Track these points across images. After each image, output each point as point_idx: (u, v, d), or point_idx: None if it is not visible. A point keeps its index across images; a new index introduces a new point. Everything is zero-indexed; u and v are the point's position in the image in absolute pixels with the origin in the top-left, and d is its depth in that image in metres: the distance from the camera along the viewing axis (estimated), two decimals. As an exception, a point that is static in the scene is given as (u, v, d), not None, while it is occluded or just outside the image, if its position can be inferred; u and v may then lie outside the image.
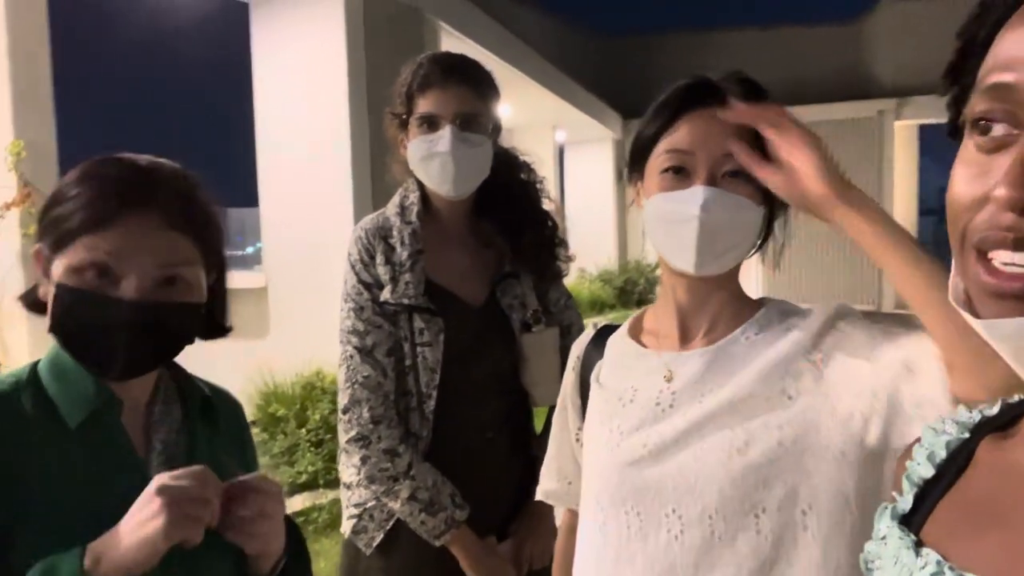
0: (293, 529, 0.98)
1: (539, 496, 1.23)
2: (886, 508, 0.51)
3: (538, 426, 1.69)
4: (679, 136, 0.95)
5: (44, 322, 0.92)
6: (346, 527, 1.58)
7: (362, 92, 5.13)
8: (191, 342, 0.97)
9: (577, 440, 1.13)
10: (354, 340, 1.52)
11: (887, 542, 0.49)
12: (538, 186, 1.68)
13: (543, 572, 1.59)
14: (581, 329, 1.67)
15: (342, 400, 1.53)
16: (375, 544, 1.54)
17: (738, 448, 0.89)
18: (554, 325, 1.65)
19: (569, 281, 1.77)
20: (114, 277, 0.89)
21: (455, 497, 1.51)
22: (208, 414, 1.02)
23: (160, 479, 0.81)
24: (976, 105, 0.44)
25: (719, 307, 1.00)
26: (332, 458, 4.08)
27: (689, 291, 1.00)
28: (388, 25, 5.40)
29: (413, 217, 1.57)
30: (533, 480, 1.24)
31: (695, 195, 0.93)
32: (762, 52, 12.79)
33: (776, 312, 0.99)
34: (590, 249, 10.57)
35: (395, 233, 1.55)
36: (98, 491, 0.87)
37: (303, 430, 4.27)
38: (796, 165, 0.89)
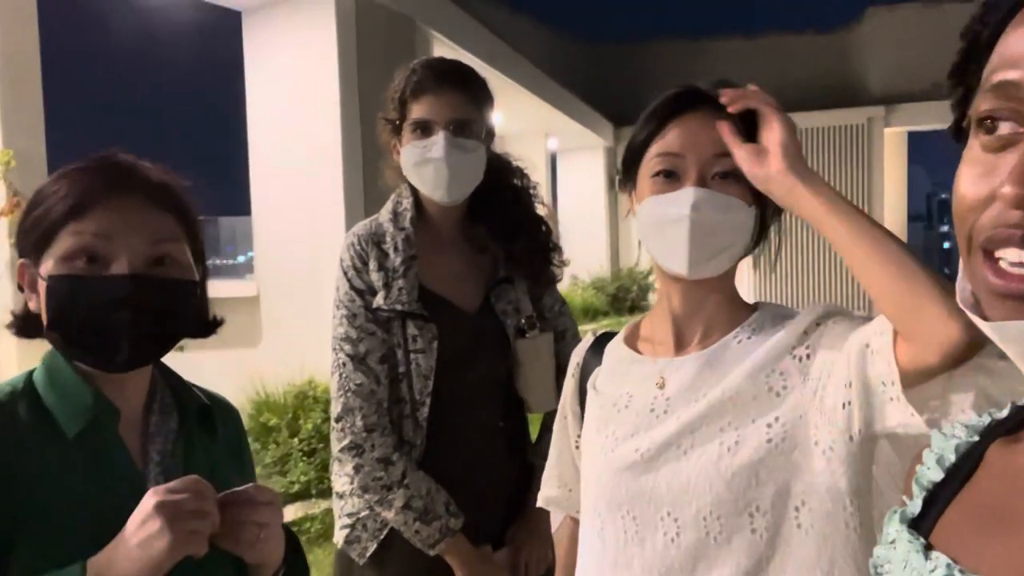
0: (291, 538, 0.98)
1: (540, 503, 1.23)
2: (895, 512, 0.51)
3: (533, 433, 1.68)
4: (669, 140, 0.96)
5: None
6: (339, 537, 1.57)
7: (354, 101, 5.13)
8: (189, 327, 0.97)
9: (577, 447, 1.13)
10: (347, 347, 1.51)
11: (896, 546, 0.49)
12: (531, 191, 1.68)
13: (539, 580, 1.58)
14: (576, 334, 1.66)
15: (335, 408, 1.52)
16: (368, 554, 1.53)
17: (729, 448, 0.90)
18: (548, 331, 1.64)
19: (562, 288, 1.77)
20: (104, 261, 0.88)
21: (450, 505, 1.49)
22: (205, 422, 1.01)
23: (156, 494, 0.80)
24: (981, 104, 0.44)
25: (714, 312, 1.00)
26: (325, 467, 4.06)
27: (684, 296, 1.00)
28: (380, 34, 5.41)
29: (406, 223, 1.56)
30: (529, 487, 1.24)
31: (685, 196, 0.94)
32: (752, 60, 12.87)
33: (770, 316, 0.99)
34: (583, 256, 10.59)
35: (388, 239, 1.55)
36: (96, 501, 0.86)
37: (295, 439, 4.24)
38: (765, 144, 0.91)
